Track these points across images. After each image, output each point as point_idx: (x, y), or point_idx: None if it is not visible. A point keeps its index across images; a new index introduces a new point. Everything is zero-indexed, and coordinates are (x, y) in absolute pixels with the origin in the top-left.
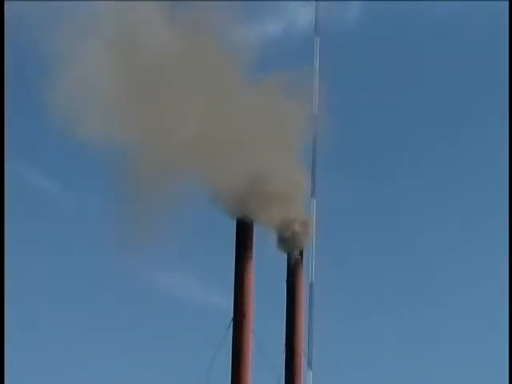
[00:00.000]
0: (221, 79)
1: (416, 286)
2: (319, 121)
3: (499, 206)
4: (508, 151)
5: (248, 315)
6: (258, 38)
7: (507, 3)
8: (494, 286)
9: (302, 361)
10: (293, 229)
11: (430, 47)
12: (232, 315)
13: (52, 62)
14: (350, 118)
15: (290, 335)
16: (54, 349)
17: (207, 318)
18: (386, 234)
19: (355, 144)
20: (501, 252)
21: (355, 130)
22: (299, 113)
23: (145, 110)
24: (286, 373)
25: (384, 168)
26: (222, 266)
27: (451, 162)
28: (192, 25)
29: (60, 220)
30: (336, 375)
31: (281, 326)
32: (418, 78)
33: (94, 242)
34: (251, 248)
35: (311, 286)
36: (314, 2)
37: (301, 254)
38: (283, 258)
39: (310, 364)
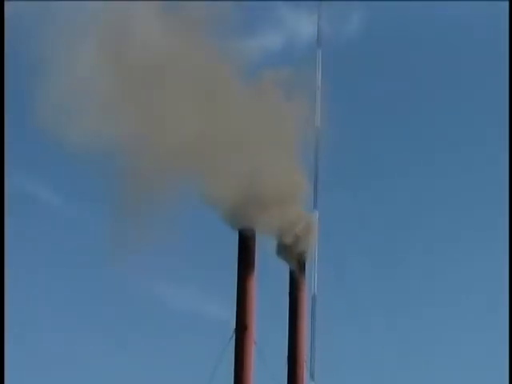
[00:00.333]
0: (220, 80)
1: (420, 298)
2: (321, 133)
3: (503, 211)
4: (508, 151)
5: (250, 327)
6: (259, 50)
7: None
8: (494, 288)
9: (305, 373)
10: (294, 232)
11: (433, 57)
12: (234, 327)
13: (46, 65)
14: (353, 129)
15: (292, 347)
16: (52, 361)
17: (208, 330)
18: (389, 245)
19: (357, 155)
20: (501, 255)
21: (358, 142)
22: (299, 113)
23: (143, 112)
24: None
25: (388, 179)
26: (223, 276)
27: (456, 174)
28: (192, 25)
29: (61, 231)
30: None
31: (283, 337)
32: (421, 88)
33: (95, 253)
34: (253, 259)
35: (313, 298)
36: (316, 14)
37: (303, 265)
38: (285, 269)
39: (312, 376)
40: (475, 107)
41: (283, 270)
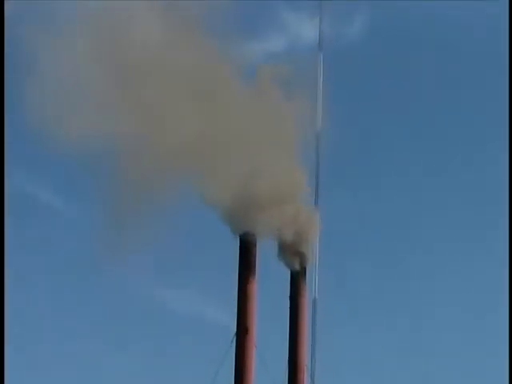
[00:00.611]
0: (220, 80)
1: (420, 302)
2: (322, 134)
3: (503, 211)
4: (508, 151)
5: (251, 330)
6: (261, 51)
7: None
8: (494, 288)
9: (305, 377)
10: (295, 228)
11: (434, 59)
12: (235, 330)
13: (46, 65)
14: (354, 130)
15: (292, 350)
16: (52, 361)
17: (209, 333)
18: (389, 245)
19: (359, 158)
20: (501, 255)
21: (358, 143)
22: (299, 114)
23: (143, 112)
24: None
25: (389, 181)
26: (224, 279)
27: (456, 174)
28: (193, 25)
29: (61, 232)
30: None
31: (284, 341)
32: (421, 88)
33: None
34: (254, 262)
35: (314, 302)
36: (318, 17)
37: (304, 269)
38: (286, 272)
39: (313, 380)
40: (475, 107)
41: (284, 273)
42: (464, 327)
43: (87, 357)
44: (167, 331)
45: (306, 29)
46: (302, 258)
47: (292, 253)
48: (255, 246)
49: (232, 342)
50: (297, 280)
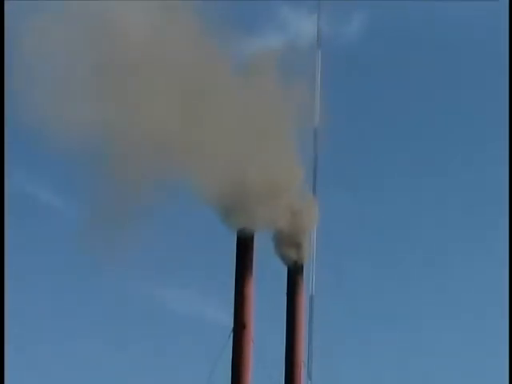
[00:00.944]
0: (217, 76)
1: (418, 301)
2: (320, 133)
3: (503, 211)
4: (508, 151)
5: (248, 326)
6: (259, 49)
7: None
8: (494, 295)
9: (302, 372)
10: (292, 222)
11: (433, 58)
12: (231, 327)
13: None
14: (352, 129)
15: (290, 347)
16: (52, 361)
17: (207, 331)
18: (387, 245)
19: (357, 156)
20: (501, 255)
21: (357, 142)
22: (297, 111)
23: (135, 109)
24: None
25: (386, 180)
26: (222, 277)
27: (456, 174)
28: (189, 21)
29: (61, 232)
30: None
31: (281, 337)
32: (421, 88)
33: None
34: (251, 259)
35: (311, 298)
36: (316, 15)
37: (301, 266)
38: (283, 269)
39: (309, 375)
40: (475, 107)
41: (281, 270)
42: (464, 327)
43: (87, 357)
44: (167, 331)
45: (304, 27)
46: (299, 250)
47: (289, 246)
48: (252, 241)
49: (229, 336)
50: (294, 276)
